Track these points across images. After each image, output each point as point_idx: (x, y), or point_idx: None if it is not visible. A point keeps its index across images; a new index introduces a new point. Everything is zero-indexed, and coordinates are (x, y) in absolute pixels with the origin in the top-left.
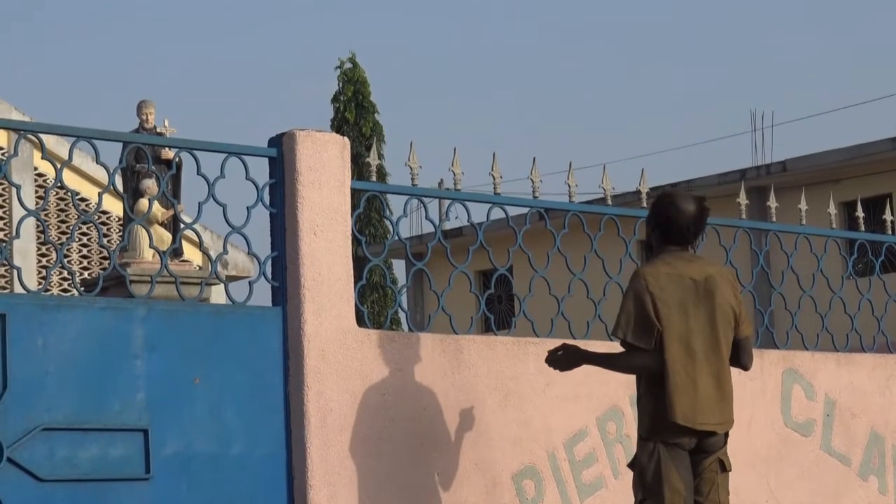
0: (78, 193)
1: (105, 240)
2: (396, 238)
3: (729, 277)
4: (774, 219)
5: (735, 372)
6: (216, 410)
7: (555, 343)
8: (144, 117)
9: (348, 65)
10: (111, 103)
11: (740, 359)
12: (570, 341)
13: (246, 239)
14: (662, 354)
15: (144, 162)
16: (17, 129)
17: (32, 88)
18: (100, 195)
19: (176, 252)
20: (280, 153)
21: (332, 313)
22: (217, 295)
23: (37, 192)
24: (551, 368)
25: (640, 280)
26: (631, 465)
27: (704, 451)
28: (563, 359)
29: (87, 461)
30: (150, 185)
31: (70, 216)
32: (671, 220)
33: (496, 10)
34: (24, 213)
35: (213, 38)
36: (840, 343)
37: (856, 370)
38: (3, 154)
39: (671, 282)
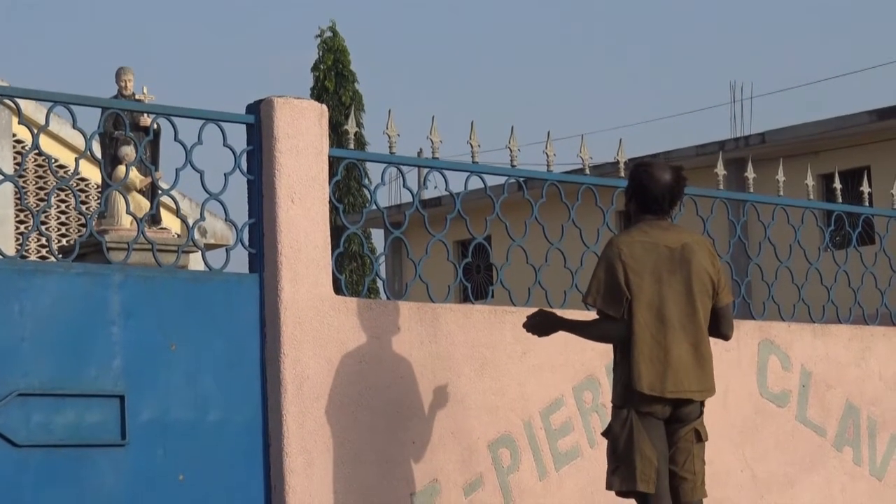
0: (56, 160)
1: (83, 206)
2: (374, 206)
3: (707, 245)
4: (752, 190)
5: (711, 342)
6: (193, 377)
7: (532, 312)
8: (123, 84)
9: (328, 34)
10: (92, 72)
11: (720, 327)
12: (546, 308)
13: (223, 206)
14: (631, 323)
15: (122, 128)
16: None
17: (11, 57)
18: (76, 160)
19: (154, 219)
20: (258, 120)
21: (309, 281)
22: (195, 262)
23: (15, 158)
24: (528, 336)
25: (612, 248)
26: (605, 434)
27: (680, 420)
28: (540, 324)
29: (62, 427)
30: (128, 151)
31: (48, 182)
32: (647, 188)
33: None
34: (2, 178)
35: (193, 6)
36: (816, 314)
37: (832, 341)
38: None
39: (645, 250)
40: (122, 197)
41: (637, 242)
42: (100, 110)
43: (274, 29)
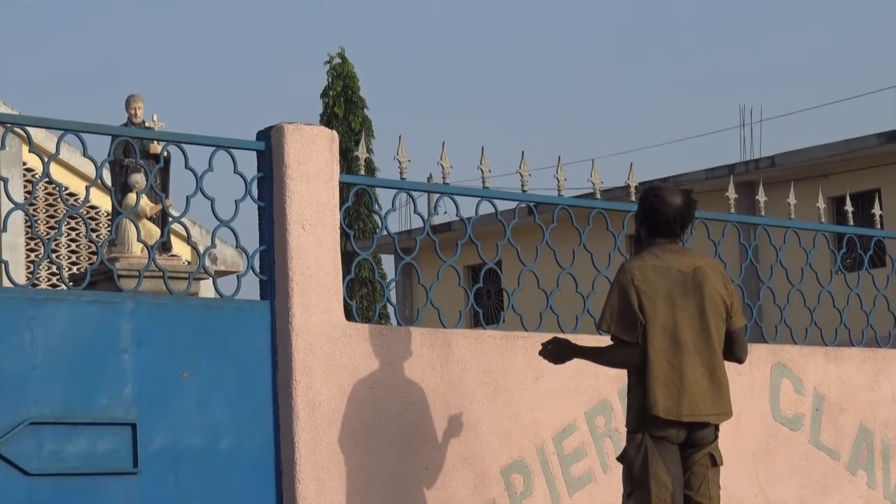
0: (66, 188)
1: (93, 234)
2: (385, 232)
3: (719, 269)
4: (763, 213)
5: (725, 366)
6: (204, 404)
7: (543, 337)
8: (133, 112)
9: (337, 60)
10: (101, 99)
11: (734, 350)
12: (560, 335)
13: (234, 233)
14: (646, 348)
15: (133, 156)
16: (4, 123)
17: (21, 83)
18: (87, 188)
19: (164, 246)
20: (268, 146)
21: (320, 307)
22: (206, 289)
23: (25, 186)
24: (540, 361)
25: (625, 273)
26: (620, 459)
27: (695, 444)
28: (555, 352)
29: (74, 455)
30: (138, 179)
31: (59, 210)
32: (658, 212)
33: (486, 4)
34: (12, 206)
35: (202, 33)
36: (829, 337)
37: (844, 364)
38: None
39: (658, 274)
40: (132, 224)
41: (649, 267)
42: (110, 138)
43: (283, 55)
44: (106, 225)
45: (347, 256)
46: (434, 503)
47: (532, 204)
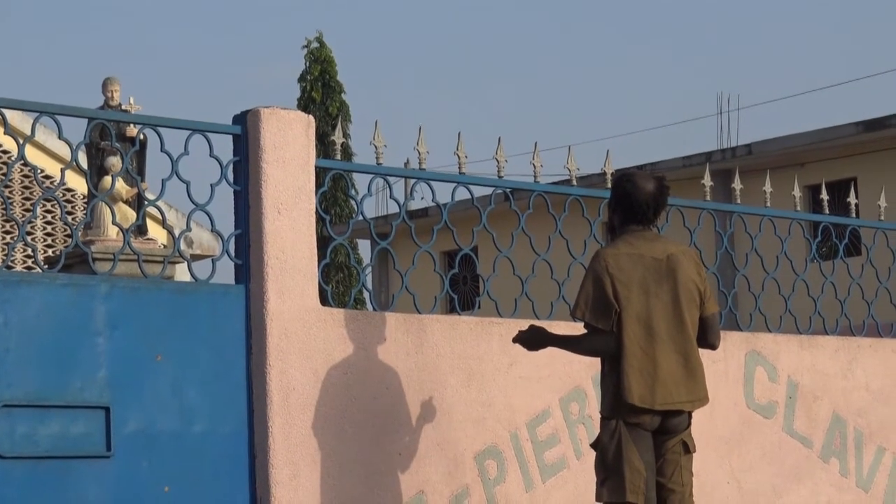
0: (42, 170)
1: (69, 217)
2: (361, 217)
3: (693, 256)
4: (739, 201)
5: (699, 353)
6: (178, 388)
7: (518, 323)
8: (109, 94)
9: (315, 44)
10: (77, 82)
11: (707, 337)
12: (535, 322)
13: (209, 216)
14: (620, 335)
15: (109, 139)
16: None
17: None
18: (62, 171)
19: (140, 230)
20: (244, 130)
21: (295, 292)
22: (181, 273)
23: (0, 168)
24: (515, 347)
25: (599, 261)
26: (593, 445)
27: (668, 431)
28: (530, 339)
29: (47, 438)
30: (114, 162)
31: (34, 193)
32: (631, 197)
33: None
34: None
35: (181, 17)
36: (803, 325)
37: (818, 353)
38: None
39: (632, 262)
40: (108, 207)
41: (623, 254)
42: (86, 121)
43: (261, 40)
44: (81, 208)
45: (323, 241)
46: (407, 488)
47: (508, 190)
